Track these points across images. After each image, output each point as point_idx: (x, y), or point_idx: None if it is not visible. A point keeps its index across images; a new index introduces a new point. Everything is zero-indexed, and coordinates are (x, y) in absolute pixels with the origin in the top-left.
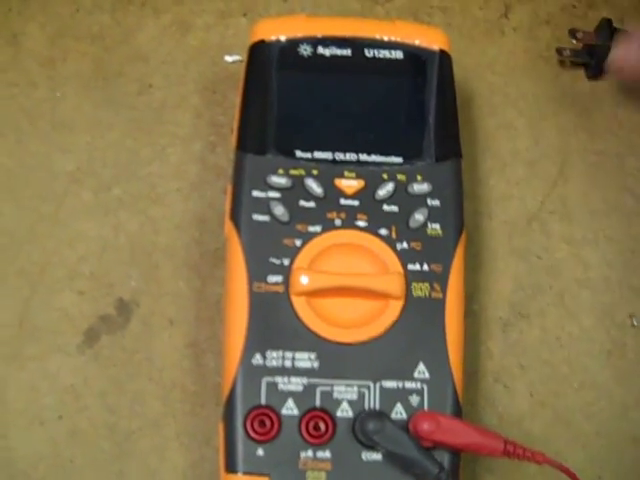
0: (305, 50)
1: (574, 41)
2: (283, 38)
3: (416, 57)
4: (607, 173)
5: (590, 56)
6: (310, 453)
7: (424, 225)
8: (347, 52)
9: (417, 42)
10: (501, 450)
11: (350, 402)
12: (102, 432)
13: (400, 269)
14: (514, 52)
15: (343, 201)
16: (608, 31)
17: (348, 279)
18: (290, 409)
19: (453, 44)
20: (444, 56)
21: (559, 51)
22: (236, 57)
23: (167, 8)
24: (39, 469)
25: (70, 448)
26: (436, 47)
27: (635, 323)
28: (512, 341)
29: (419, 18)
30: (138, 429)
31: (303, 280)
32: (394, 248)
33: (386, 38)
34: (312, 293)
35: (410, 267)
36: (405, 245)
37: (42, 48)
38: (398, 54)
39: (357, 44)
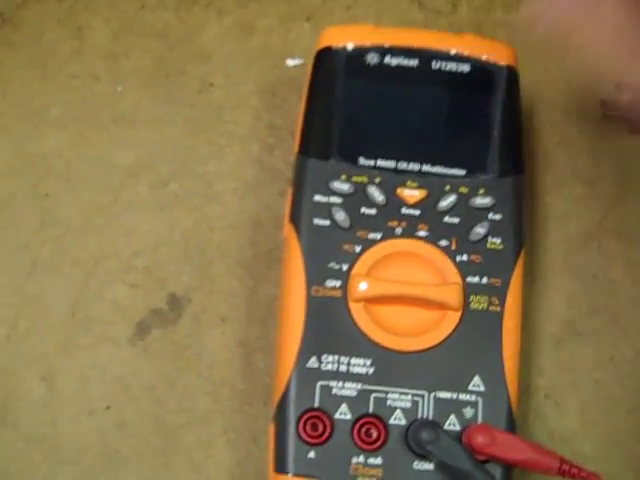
0: (372, 59)
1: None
2: (350, 46)
3: (483, 71)
4: None
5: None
6: (362, 459)
7: (484, 238)
8: (414, 63)
9: (485, 57)
10: (556, 468)
11: (404, 410)
12: (149, 425)
13: (459, 280)
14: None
15: (404, 210)
16: None
17: (406, 288)
18: (343, 414)
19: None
20: (511, 72)
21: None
22: (298, 61)
23: (231, 10)
24: (86, 457)
25: (117, 439)
26: (504, 63)
27: None
28: (564, 359)
29: (483, 31)
30: (185, 424)
31: (361, 287)
32: (453, 259)
33: (454, 51)
34: (370, 300)
35: (469, 279)
36: (465, 257)
37: (106, 42)
38: (465, 67)
39: (424, 55)
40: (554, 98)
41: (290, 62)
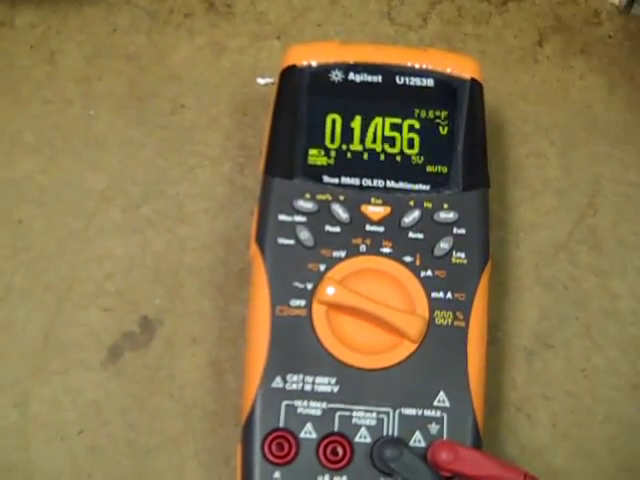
0: (336, 76)
1: None
2: (315, 63)
3: (447, 85)
4: (638, 205)
5: None
6: (327, 478)
7: (449, 253)
8: (378, 79)
9: (449, 70)
10: None
11: (369, 428)
12: (121, 448)
13: (426, 313)
14: (547, 81)
15: (369, 227)
16: None
17: (371, 305)
18: (308, 433)
19: (486, 71)
20: (475, 85)
21: None
22: (268, 79)
23: (202, 30)
24: None
25: (89, 463)
26: (467, 76)
27: None
28: (536, 371)
29: (453, 45)
30: (157, 446)
31: (329, 290)
32: (418, 276)
33: (418, 66)
34: (334, 306)
35: (434, 295)
36: (429, 273)
37: (78, 66)
38: (429, 82)
39: (388, 71)
40: (525, 109)
41: (261, 81)
